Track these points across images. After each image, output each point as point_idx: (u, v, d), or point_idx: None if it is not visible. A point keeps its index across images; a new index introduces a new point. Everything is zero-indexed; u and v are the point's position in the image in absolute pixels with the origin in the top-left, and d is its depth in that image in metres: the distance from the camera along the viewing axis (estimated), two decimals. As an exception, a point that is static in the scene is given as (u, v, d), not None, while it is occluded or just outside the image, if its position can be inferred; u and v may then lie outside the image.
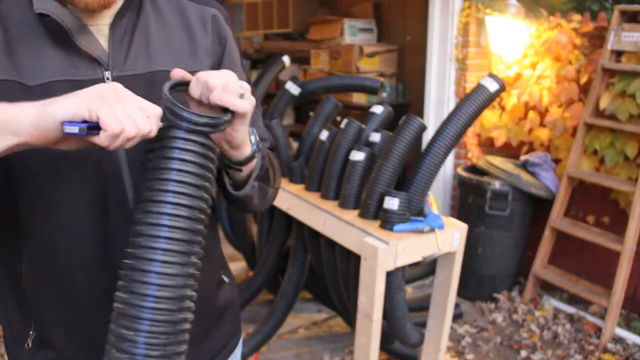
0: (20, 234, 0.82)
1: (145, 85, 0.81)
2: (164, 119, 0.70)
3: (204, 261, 0.95)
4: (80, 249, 0.81)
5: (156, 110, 0.68)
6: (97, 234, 0.81)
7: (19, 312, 0.85)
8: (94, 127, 0.64)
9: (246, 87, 0.76)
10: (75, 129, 0.63)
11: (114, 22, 0.81)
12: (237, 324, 1.07)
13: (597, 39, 2.85)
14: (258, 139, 0.86)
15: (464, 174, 3.12)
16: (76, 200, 0.80)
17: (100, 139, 0.64)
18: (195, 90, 0.74)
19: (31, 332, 0.85)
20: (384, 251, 1.73)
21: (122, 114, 0.64)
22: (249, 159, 0.84)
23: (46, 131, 0.64)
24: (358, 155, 1.98)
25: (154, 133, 0.68)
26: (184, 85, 0.75)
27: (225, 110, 0.74)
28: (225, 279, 1.03)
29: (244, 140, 0.81)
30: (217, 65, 0.92)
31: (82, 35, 0.78)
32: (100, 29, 0.81)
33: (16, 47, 0.76)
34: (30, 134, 0.65)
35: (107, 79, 0.79)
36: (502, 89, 1.88)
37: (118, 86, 0.67)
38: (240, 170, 0.85)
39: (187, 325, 0.73)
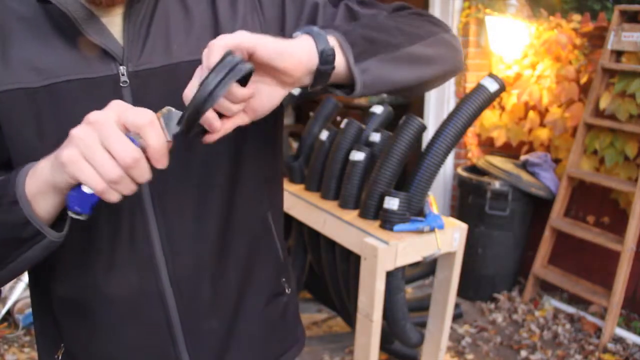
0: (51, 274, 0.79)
1: (164, 80, 0.73)
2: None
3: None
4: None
5: (133, 152, 0.58)
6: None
7: (53, 326, 0.84)
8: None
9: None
10: (83, 217, 0.61)
11: (129, 10, 0.71)
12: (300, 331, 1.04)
13: (597, 39, 2.85)
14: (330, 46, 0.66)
15: (464, 174, 3.12)
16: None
17: (106, 198, 0.59)
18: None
19: (62, 345, 0.84)
20: (384, 251, 1.73)
21: (98, 167, 0.58)
22: (315, 83, 0.68)
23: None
24: (358, 155, 1.97)
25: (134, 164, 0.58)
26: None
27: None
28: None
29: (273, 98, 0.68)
30: (283, 28, 0.79)
31: (92, 26, 0.70)
32: (113, 19, 0.72)
33: (13, 46, 0.70)
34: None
35: (122, 74, 0.71)
36: (502, 89, 1.87)
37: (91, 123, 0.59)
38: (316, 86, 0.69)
39: None
